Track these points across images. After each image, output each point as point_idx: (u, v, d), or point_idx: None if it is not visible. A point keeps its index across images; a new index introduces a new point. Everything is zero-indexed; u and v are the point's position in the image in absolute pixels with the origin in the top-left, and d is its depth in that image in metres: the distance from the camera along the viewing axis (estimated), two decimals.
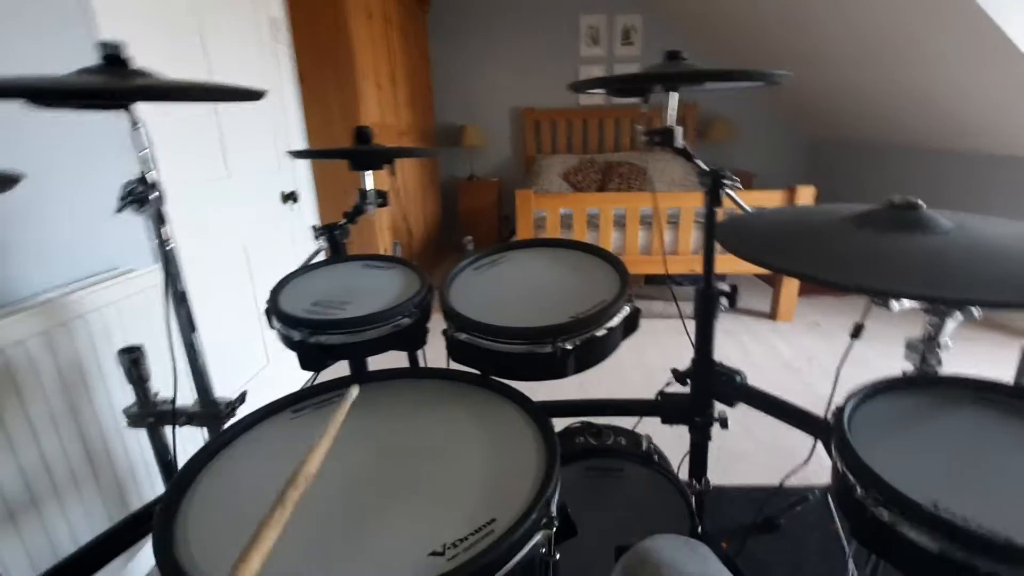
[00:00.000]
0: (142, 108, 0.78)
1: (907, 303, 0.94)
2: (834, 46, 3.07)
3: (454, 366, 0.80)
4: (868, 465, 0.56)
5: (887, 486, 0.54)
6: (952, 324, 0.94)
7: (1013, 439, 0.62)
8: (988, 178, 2.84)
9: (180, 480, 0.61)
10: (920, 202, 0.75)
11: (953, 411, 0.68)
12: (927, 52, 2.50)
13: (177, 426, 0.91)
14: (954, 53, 2.37)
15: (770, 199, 2.67)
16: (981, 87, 2.43)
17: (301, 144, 2.23)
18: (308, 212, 2.27)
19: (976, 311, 0.94)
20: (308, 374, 0.83)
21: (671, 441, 1.26)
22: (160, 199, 0.78)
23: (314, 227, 1.03)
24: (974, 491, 0.55)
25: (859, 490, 0.57)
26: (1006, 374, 0.72)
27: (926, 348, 0.95)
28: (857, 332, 0.96)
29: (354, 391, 0.61)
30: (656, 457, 1.08)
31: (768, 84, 0.87)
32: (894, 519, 0.53)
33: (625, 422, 1.21)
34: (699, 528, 1.03)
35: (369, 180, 1.03)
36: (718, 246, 1.05)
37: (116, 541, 0.84)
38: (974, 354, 2.46)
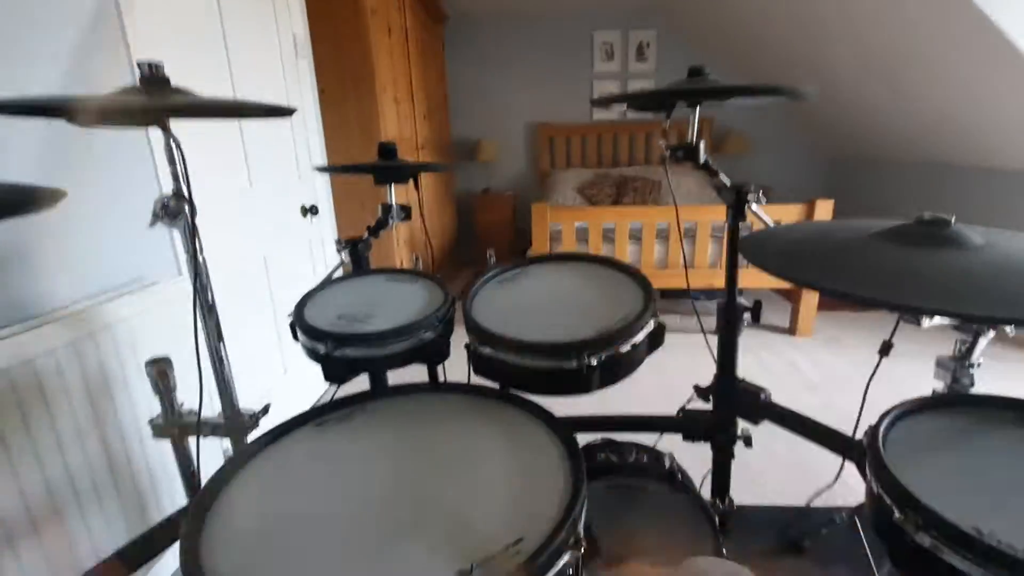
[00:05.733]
0: (174, 124, 0.80)
1: (937, 319, 0.92)
2: (850, 62, 3.06)
3: (475, 380, 0.80)
4: (907, 488, 0.55)
5: (929, 510, 0.52)
6: (984, 341, 0.92)
7: None
8: (1006, 193, 2.79)
9: (207, 492, 0.61)
10: (950, 218, 0.74)
11: (991, 432, 0.66)
12: (943, 68, 2.48)
13: (201, 437, 0.92)
14: (969, 69, 2.35)
15: (788, 213, 2.65)
16: (998, 103, 2.40)
17: (321, 157, 2.27)
18: (327, 223, 2.30)
19: (1009, 328, 0.92)
20: (324, 386, 0.83)
21: (693, 459, 1.24)
22: (193, 213, 0.80)
23: (338, 241, 1.04)
24: (1016, 515, 0.53)
25: (897, 513, 0.56)
26: None
27: (957, 366, 0.93)
28: (886, 350, 0.94)
29: None
30: (679, 476, 1.06)
31: (792, 100, 0.87)
32: (936, 545, 0.52)
33: (646, 438, 1.20)
34: (723, 551, 1.01)
35: (393, 194, 1.04)
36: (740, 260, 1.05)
37: (138, 552, 0.85)
38: (1006, 373, 2.40)
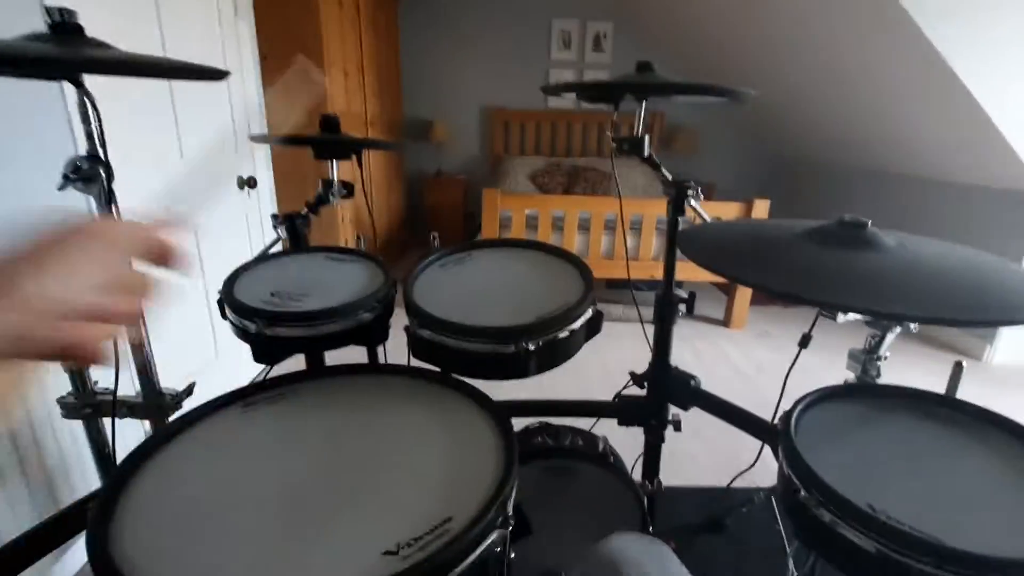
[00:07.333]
0: (92, 81, 0.73)
1: (851, 316, 0.99)
2: (797, 67, 3.21)
3: (414, 363, 0.79)
4: (812, 469, 0.59)
5: (828, 488, 0.56)
6: (891, 337, 1.00)
7: (945, 446, 0.67)
8: (925, 199, 3.03)
9: (119, 475, 0.57)
10: (867, 221, 0.79)
11: (890, 419, 0.72)
12: (882, 81, 2.64)
13: (117, 418, 0.86)
14: (906, 84, 2.52)
15: (728, 210, 2.77)
16: (928, 117, 2.59)
17: (261, 128, 2.15)
18: (266, 198, 2.19)
19: (913, 325, 1.00)
20: (258, 369, 0.80)
21: (626, 442, 1.28)
22: (109, 178, 0.74)
23: (274, 216, 1.00)
24: (908, 494, 0.58)
25: (802, 492, 0.60)
26: (937, 384, 0.77)
27: (867, 359, 1.01)
28: (805, 342, 1.01)
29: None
30: (612, 458, 1.10)
31: (731, 101, 0.90)
32: (834, 520, 0.56)
33: (583, 422, 1.23)
34: (650, 528, 1.05)
35: (335, 170, 1.00)
36: (678, 253, 1.08)
37: (45, 538, 0.79)
38: (910, 365, 2.63)
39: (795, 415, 0.70)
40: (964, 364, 0.82)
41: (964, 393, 0.84)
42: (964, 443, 0.67)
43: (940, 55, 2.15)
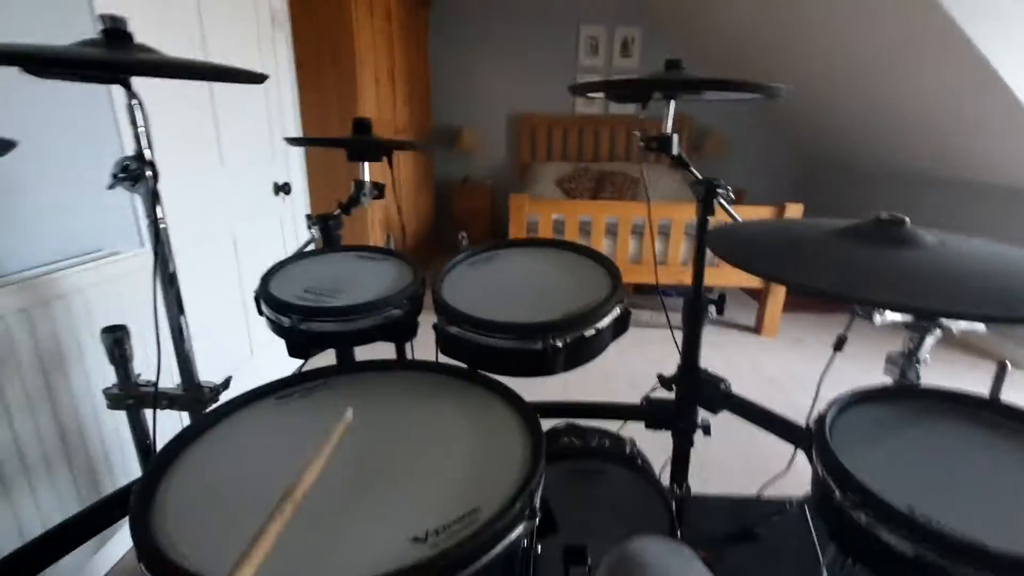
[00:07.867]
0: (139, 86, 0.77)
1: (889, 317, 0.96)
2: (829, 69, 3.14)
3: (443, 359, 0.80)
4: (848, 469, 0.57)
5: (865, 490, 0.55)
6: (931, 340, 0.96)
7: (987, 449, 0.64)
8: (966, 202, 2.91)
9: (159, 462, 0.60)
10: (905, 218, 0.77)
11: (930, 421, 0.69)
12: (919, 80, 2.57)
13: (158, 409, 0.90)
14: (944, 83, 2.43)
15: (759, 214, 2.71)
16: (965, 117, 2.50)
17: (296, 134, 2.22)
18: (299, 202, 2.25)
19: (954, 328, 0.96)
20: (291, 367, 0.82)
21: (654, 446, 1.26)
22: (155, 177, 0.78)
23: (308, 216, 1.03)
24: (949, 497, 0.56)
25: (838, 494, 0.58)
26: (978, 391, 0.74)
27: (905, 363, 0.97)
28: (840, 344, 0.98)
29: (348, 414, 0.59)
30: (639, 461, 1.08)
31: (765, 97, 0.89)
32: (871, 522, 0.54)
33: (610, 425, 1.22)
34: (679, 534, 1.03)
35: (366, 171, 1.02)
36: (708, 256, 1.07)
37: (88, 523, 0.83)
38: (950, 372, 2.52)
39: (830, 416, 0.68)
40: (1008, 364, 0.79)
41: (1006, 400, 0.80)
42: (1006, 447, 0.64)
43: (977, 50, 2.08)
